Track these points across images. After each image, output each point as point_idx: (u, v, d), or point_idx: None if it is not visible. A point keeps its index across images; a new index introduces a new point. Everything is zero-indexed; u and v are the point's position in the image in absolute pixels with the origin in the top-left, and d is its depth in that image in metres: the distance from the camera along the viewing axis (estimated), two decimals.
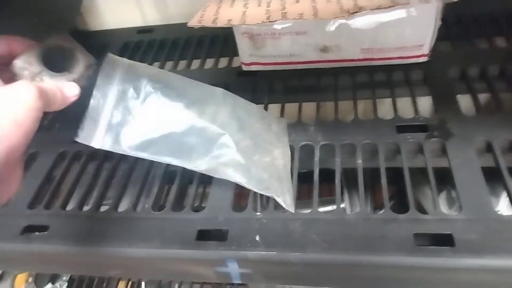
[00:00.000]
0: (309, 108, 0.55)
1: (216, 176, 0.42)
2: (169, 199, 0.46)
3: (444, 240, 0.37)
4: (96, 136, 0.39)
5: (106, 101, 0.40)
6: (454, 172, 0.41)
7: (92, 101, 0.39)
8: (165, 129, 0.41)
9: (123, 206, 0.47)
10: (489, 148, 0.44)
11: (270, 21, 0.42)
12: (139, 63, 0.45)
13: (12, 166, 0.29)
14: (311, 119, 0.52)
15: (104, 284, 0.87)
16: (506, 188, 0.40)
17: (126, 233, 0.44)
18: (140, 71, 0.43)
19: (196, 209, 0.45)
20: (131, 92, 0.42)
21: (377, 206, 0.73)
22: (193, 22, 0.45)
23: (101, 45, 0.74)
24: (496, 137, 0.44)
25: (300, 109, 0.54)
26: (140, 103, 0.42)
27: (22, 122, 0.27)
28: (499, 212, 0.38)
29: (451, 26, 0.60)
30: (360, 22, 0.42)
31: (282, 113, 0.54)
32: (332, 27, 0.41)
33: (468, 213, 0.38)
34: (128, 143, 0.41)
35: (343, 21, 0.43)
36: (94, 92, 0.40)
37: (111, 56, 0.42)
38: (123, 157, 0.50)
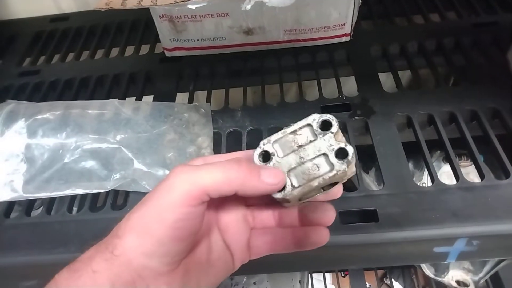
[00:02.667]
0: (236, 93, 0.53)
1: (129, 189, 0.40)
2: (87, 199, 0.42)
3: (369, 216, 0.37)
4: None
5: None
6: (376, 148, 0.42)
7: None
8: (56, 163, 0.40)
9: (37, 207, 0.43)
10: (409, 123, 0.45)
11: (183, 1, 0.39)
12: (24, 103, 0.45)
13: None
14: (238, 105, 0.50)
15: None
16: (425, 161, 0.41)
17: (39, 239, 0.40)
18: (22, 113, 0.42)
19: (118, 208, 0.42)
20: (14, 138, 0.41)
21: None
22: (100, 5, 0.41)
23: (10, 36, 0.67)
24: (416, 112, 0.45)
25: (227, 95, 0.52)
26: (23, 145, 0.40)
27: (166, 217, 0.23)
28: (422, 185, 0.39)
29: (373, 5, 0.61)
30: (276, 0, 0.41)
31: (208, 99, 0.52)
32: (248, 5, 0.39)
33: (391, 188, 0.39)
34: (25, 188, 0.40)
35: None
36: None
37: None
38: None
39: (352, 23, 0.53)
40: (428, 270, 0.59)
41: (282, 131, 0.28)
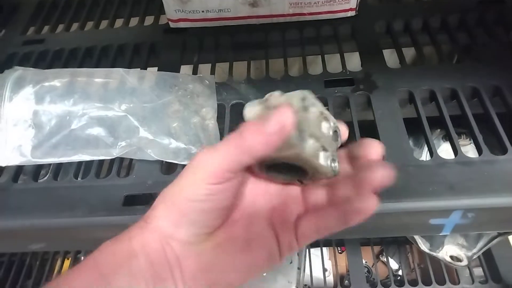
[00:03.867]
0: (241, 66, 0.54)
1: (135, 157, 0.41)
2: (93, 166, 0.43)
3: None
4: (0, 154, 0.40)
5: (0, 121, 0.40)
6: (377, 123, 0.43)
7: None
8: (63, 129, 0.40)
9: (42, 176, 0.44)
10: (411, 99, 0.46)
11: None
12: (31, 70, 0.45)
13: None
14: (242, 78, 0.50)
15: (47, 268, 0.82)
16: (424, 136, 0.42)
17: (46, 204, 0.41)
18: (29, 79, 0.42)
19: (124, 175, 0.43)
20: (22, 104, 0.41)
21: None
22: None
23: (12, 5, 0.67)
24: (418, 87, 0.46)
25: (231, 67, 0.52)
26: (31, 111, 0.41)
27: (188, 191, 0.25)
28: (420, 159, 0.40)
29: None
30: None
31: (212, 71, 0.52)
32: None
33: (390, 161, 0.40)
34: (33, 153, 0.40)
35: None
36: None
37: None
38: None
39: None
40: (423, 245, 0.61)
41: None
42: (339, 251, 0.92)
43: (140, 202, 0.40)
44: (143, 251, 0.25)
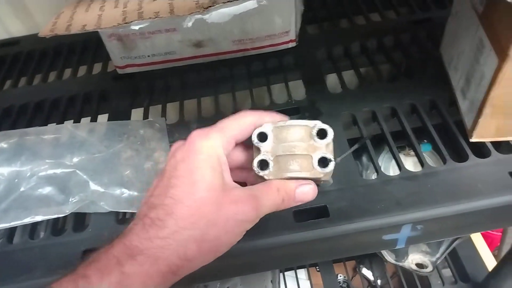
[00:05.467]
0: (192, 105, 0.55)
1: (88, 211, 0.41)
2: (48, 224, 0.43)
3: (320, 212, 0.39)
4: None
5: None
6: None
7: None
8: (13, 193, 0.40)
9: None
10: (354, 121, 0.48)
11: (126, 23, 0.40)
12: None
13: None
14: (193, 116, 0.52)
15: None
16: (369, 155, 0.44)
17: (3, 268, 0.40)
18: None
19: (80, 229, 0.43)
20: None
21: None
22: (45, 32, 0.42)
23: None
24: (359, 110, 0.48)
25: (182, 108, 0.53)
26: None
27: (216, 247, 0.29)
28: (367, 174, 0.42)
29: (317, 10, 0.64)
30: (215, 16, 0.43)
31: (163, 114, 0.53)
32: (189, 23, 0.41)
33: (339, 184, 0.41)
34: None
35: (199, 16, 0.43)
36: None
37: None
38: None
39: (296, 30, 0.55)
40: (389, 257, 0.63)
41: (282, 121, 0.31)
42: (317, 270, 0.93)
43: None
44: None
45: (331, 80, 0.55)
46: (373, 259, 0.86)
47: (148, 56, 0.55)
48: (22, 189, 0.39)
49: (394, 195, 0.40)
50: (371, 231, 0.39)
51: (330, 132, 0.30)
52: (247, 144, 0.33)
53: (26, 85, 0.61)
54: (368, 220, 0.38)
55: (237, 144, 0.32)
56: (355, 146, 0.41)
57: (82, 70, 0.61)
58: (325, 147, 0.30)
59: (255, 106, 0.51)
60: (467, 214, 0.38)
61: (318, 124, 0.30)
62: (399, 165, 0.42)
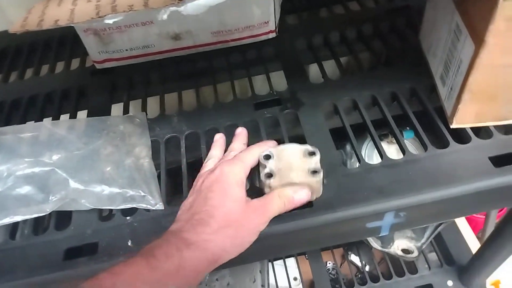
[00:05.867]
0: (172, 98, 0.54)
1: (69, 209, 0.40)
2: (29, 224, 0.42)
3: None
4: None
5: None
6: (307, 138, 0.44)
7: None
8: None
9: None
10: (336, 110, 0.48)
11: (100, 17, 0.39)
12: None
13: None
14: (174, 110, 0.51)
15: None
16: (351, 144, 0.44)
17: None
18: None
19: (62, 228, 0.42)
20: None
21: None
22: (15, 28, 0.41)
23: None
24: (340, 99, 0.48)
25: (162, 101, 0.53)
26: None
27: (242, 243, 0.36)
28: (351, 163, 0.42)
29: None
30: (190, 8, 0.42)
31: (144, 108, 0.53)
32: (164, 15, 0.40)
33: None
34: None
35: (174, 8, 0.42)
36: None
37: None
38: None
39: (275, 20, 0.55)
40: (375, 243, 0.63)
41: (282, 145, 0.40)
42: (306, 257, 0.93)
43: (82, 253, 0.39)
44: None
45: (313, 70, 0.55)
46: (360, 245, 0.87)
47: (126, 50, 0.54)
48: None
49: (376, 183, 0.40)
50: (354, 220, 0.39)
51: (318, 152, 0.38)
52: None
53: (1, 83, 0.59)
54: (351, 209, 0.39)
55: None
56: None
57: (59, 66, 0.60)
58: (315, 163, 0.38)
59: (236, 98, 0.51)
60: (449, 199, 0.39)
61: (309, 147, 0.39)
62: (381, 154, 0.43)
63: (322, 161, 0.38)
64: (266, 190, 0.38)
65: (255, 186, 0.41)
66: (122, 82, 0.56)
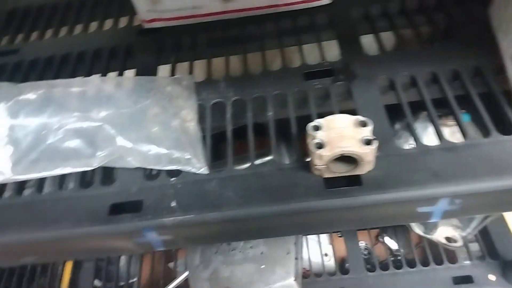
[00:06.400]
0: (220, 62, 0.53)
1: (115, 166, 0.41)
2: (76, 177, 0.42)
3: (352, 181, 0.38)
4: None
5: None
6: (359, 113, 0.42)
7: None
8: (41, 144, 0.40)
9: (26, 190, 0.44)
10: (392, 86, 0.45)
11: None
12: (4, 84, 0.45)
13: None
14: (221, 75, 0.50)
15: (49, 271, 0.82)
16: (407, 123, 0.42)
17: (33, 217, 0.41)
18: (3, 94, 0.43)
19: (107, 183, 0.42)
20: None
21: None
22: None
23: None
24: (398, 74, 0.45)
25: (210, 65, 0.51)
26: (7, 128, 0.41)
27: None
28: (410, 146, 0.40)
29: None
30: None
31: (191, 71, 0.52)
32: None
33: None
34: (14, 171, 0.40)
35: None
36: None
37: None
38: None
39: None
40: (417, 229, 0.61)
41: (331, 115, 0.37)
42: (339, 235, 0.92)
43: (126, 210, 0.40)
44: None
45: (368, 41, 0.52)
46: (397, 228, 0.85)
47: (176, 10, 0.53)
48: (50, 141, 0.39)
49: (432, 166, 0.38)
50: (405, 202, 0.37)
51: (370, 122, 0.36)
52: None
53: (52, 37, 0.60)
54: (403, 191, 0.37)
55: None
56: None
57: (108, 24, 0.59)
58: (368, 132, 0.35)
59: (285, 67, 0.49)
60: (511, 190, 0.36)
61: (360, 117, 0.36)
62: (440, 135, 0.40)
63: (377, 139, 0.36)
64: (317, 161, 0.36)
65: (304, 159, 0.40)
66: (169, 43, 0.55)
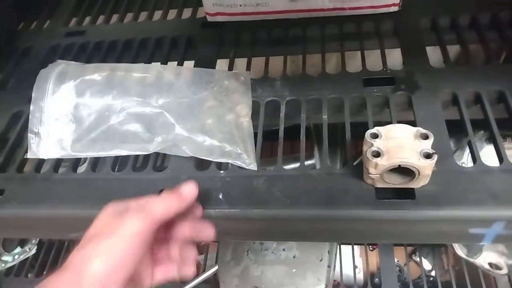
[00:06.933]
0: (277, 61, 0.53)
1: (170, 153, 0.42)
2: (129, 159, 0.44)
3: (405, 193, 0.37)
4: (42, 148, 0.42)
5: (42, 114, 0.43)
6: (418, 125, 0.41)
7: (30, 117, 0.42)
8: (102, 124, 0.42)
9: (82, 168, 0.46)
10: (454, 101, 0.44)
11: None
12: (72, 63, 0.47)
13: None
14: (278, 74, 0.50)
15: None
16: (468, 141, 0.40)
17: (85, 194, 0.42)
18: (70, 73, 0.44)
19: (159, 169, 0.44)
20: (64, 98, 0.43)
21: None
22: None
23: None
24: (462, 89, 0.43)
25: (267, 63, 0.52)
26: (72, 105, 0.43)
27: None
28: (462, 164, 0.38)
29: None
30: None
31: (248, 67, 0.52)
32: None
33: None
34: (73, 147, 0.42)
35: None
36: (31, 107, 0.43)
37: (43, 70, 0.45)
38: None
39: None
40: (460, 250, 0.59)
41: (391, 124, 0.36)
42: (371, 249, 0.91)
43: None
44: None
45: (433, 53, 0.50)
46: (434, 247, 0.82)
47: (240, 5, 0.54)
48: (111, 122, 0.41)
49: (491, 187, 0.36)
50: (458, 221, 0.36)
51: (431, 135, 0.34)
52: None
53: (118, 22, 0.62)
54: (457, 209, 0.35)
55: None
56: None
57: (172, 14, 0.61)
58: (428, 146, 0.34)
59: (345, 71, 0.48)
60: None
61: (421, 129, 0.35)
62: (501, 156, 0.38)
63: (436, 153, 0.35)
64: (371, 169, 0.35)
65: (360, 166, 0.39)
66: (230, 38, 0.55)
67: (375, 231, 0.39)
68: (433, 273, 0.82)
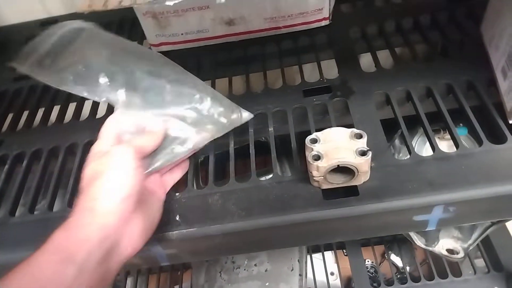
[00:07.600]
0: (223, 83, 0.55)
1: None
2: None
3: (349, 191, 0.39)
4: None
5: None
6: (356, 127, 0.44)
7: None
8: None
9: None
10: (387, 100, 0.47)
11: None
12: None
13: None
14: (225, 94, 0.52)
15: None
16: (402, 135, 0.43)
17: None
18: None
19: None
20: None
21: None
22: (83, 7, 0.43)
23: (1, 43, 0.69)
24: (393, 89, 0.47)
25: (213, 85, 0.54)
26: None
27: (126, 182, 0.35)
28: (399, 158, 0.41)
29: None
30: None
31: None
32: (222, 0, 0.41)
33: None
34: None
35: None
36: None
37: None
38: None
39: (330, 7, 0.54)
40: (419, 241, 0.62)
41: (328, 128, 0.39)
42: (345, 254, 0.92)
43: None
44: None
45: (365, 60, 0.54)
46: (402, 245, 0.85)
47: (182, 34, 0.56)
48: None
49: (426, 175, 0.39)
50: (401, 211, 0.38)
51: (364, 134, 0.37)
52: None
53: None
54: (398, 200, 0.38)
55: None
56: None
57: None
58: (362, 144, 0.37)
59: (286, 85, 0.51)
60: (503, 197, 0.37)
61: (355, 130, 0.38)
62: (433, 145, 0.41)
63: (371, 150, 0.38)
64: (315, 172, 0.37)
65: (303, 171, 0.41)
66: None
67: (327, 230, 0.41)
68: (408, 269, 0.84)
